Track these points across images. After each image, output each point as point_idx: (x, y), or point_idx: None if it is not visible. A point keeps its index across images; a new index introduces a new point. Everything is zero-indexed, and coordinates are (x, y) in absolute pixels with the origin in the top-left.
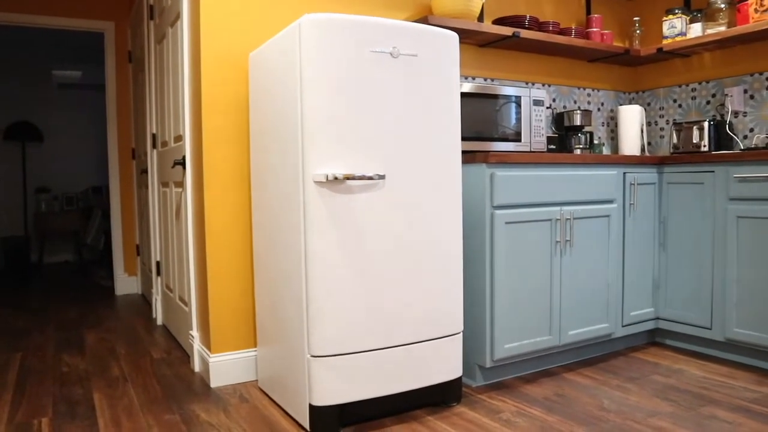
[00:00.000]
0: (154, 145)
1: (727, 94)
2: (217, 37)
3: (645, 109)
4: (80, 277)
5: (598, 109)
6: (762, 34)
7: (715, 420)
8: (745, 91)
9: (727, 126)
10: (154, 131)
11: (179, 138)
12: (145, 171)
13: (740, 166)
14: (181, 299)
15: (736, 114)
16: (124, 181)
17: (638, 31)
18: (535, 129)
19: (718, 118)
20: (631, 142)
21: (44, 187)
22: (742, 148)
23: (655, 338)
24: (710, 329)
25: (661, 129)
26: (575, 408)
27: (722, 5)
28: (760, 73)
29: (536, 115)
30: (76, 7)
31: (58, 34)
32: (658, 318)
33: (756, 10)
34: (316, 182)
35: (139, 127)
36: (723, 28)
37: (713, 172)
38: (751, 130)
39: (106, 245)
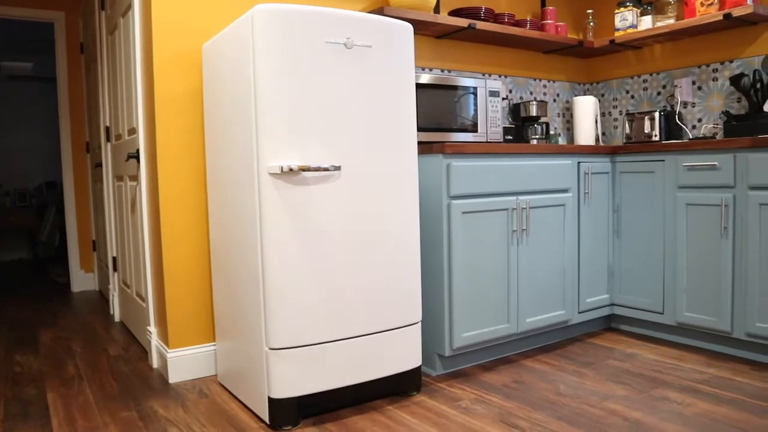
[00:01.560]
0: (108, 139)
1: (676, 86)
2: (170, 28)
3: (599, 100)
4: (35, 274)
5: (554, 100)
6: (708, 27)
7: (666, 401)
8: (694, 83)
9: (676, 116)
10: (108, 124)
11: (133, 131)
12: (100, 165)
13: (688, 155)
14: (138, 295)
15: (685, 105)
16: (78, 176)
17: (592, 24)
18: (492, 120)
19: (669, 108)
20: (586, 133)
21: None
22: (691, 137)
23: (610, 324)
24: (662, 314)
25: (615, 119)
26: (533, 394)
27: None
28: (707, 65)
29: (493, 106)
30: None
31: (6, 23)
32: (613, 304)
33: (702, 4)
34: (271, 174)
35: (92, 119)
36: (672, 21)
37: (663, 161)
38: (699, 120)
39: (62, 241)
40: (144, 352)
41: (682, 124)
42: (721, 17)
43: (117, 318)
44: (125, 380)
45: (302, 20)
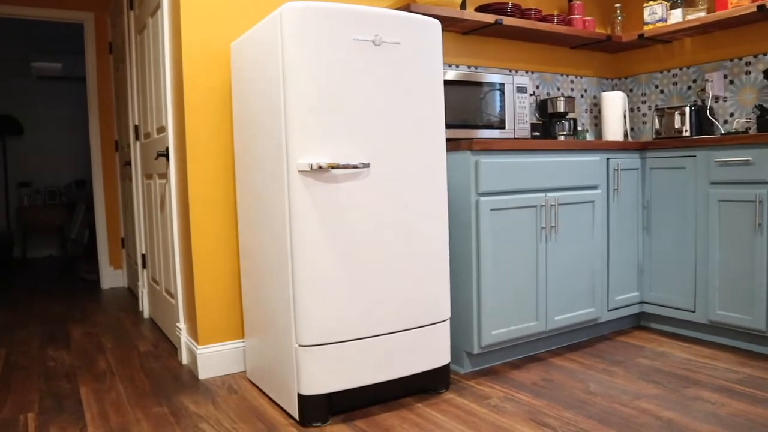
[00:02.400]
0: (137, 137)
1: (707, 80)
2: (198, 27)
3: (627, 95)
4: (65, 271)
5: (582, 96)
6: (741, 20)
7: (699, 401)
8: (725, 76)
9: (707, 111)
10: (137, 123)
11: (162, 129)
12: (129, 163)
13: (721, 151)
14: (168, 292)
15: (716, 99)
16: (107, 174)
17: (620, 18)
18: (519, 116)
19: (699, 103)
20: (614, 128)
21: (26, 181)
22: (723, 132)
23: (640, 322)
24: (694, 312)
25: (644, 115)
26: (562, 392)
27: None
28: (740, 58)
29: (520, 102)
30: None
31: (37, 25)
32: (642, 302)
33: None
34: (300, 171)
35: (121, 118)
36: (703, 14)
37: (695, 156)
38: (731, 115)
39: (91, 239)
40: (173, 349)
41: (714, 119)
42: (754, 9)
43: (146, 314)
44: (155, 376)
45: (331, 18)
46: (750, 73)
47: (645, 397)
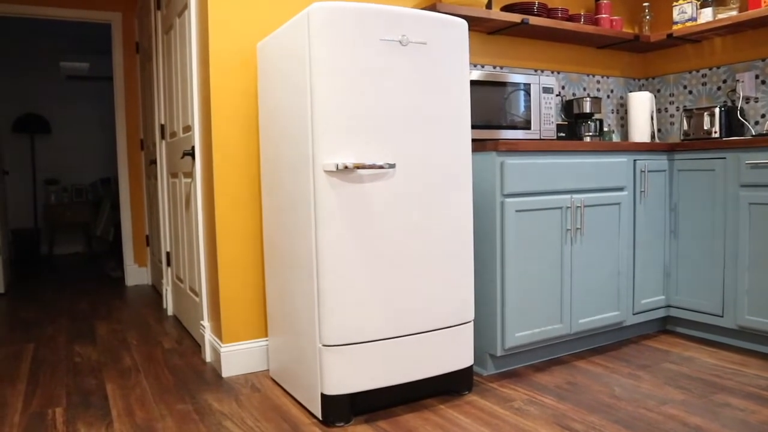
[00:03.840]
0: (162, 136)
1: (738, 80)
2: (225, 27)
3: (655, 96)
4: (90, 268)
5: (608, 96)
6: None
7: (728, 407)
8: (757, 77)
9: (738, 112)
10: (163, 122)
11: (188, 128)
12: (154, 162)
13: (752, 153)
14: (192, 290)
15: (747, 100)
16: (133, 172)
17: (648, 17)
18: (545, 116)
19: (729, 104)
20: (641, 129)
21: (53, 179)
22: (754, 134)
23: (666, 326)
24: (722, 317)
25: (671, 116)
26: (587, 396)
27: None
28: None
29: (546, 103)
30: None
31: (65, 25)
32: (669, 306)
33: None
34: (326, 171)
35: (147, 118)
36: (734, 13)
37: (724, 158)
38: (763, 116)
39: (116, 236)
40: (197, 346)
41: (744, 120)
42: None
43: (170, 312)
44: (180, 373)
45: (358, 18)
46: None
47: (671, 402)
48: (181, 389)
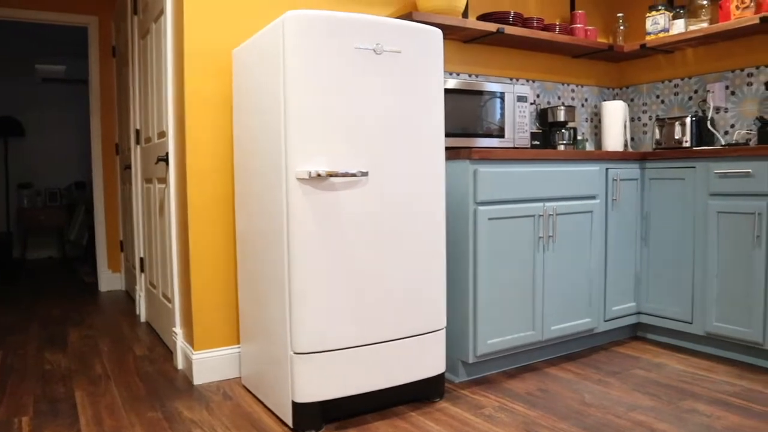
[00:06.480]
0: (137, 141)
1: (708, 90)
2: (201, 34)
3: (628, 105)
4: (64, 273)
5: (582, 105)
6: (743, 31)
7: (695, 413)
8: (727, 87)
9: (708, 122)
10: (138, 127)
11: (163, 134)
12: (129, 167)
13: (720, 162)
14: (165, 296)
15: (717, 110)
16: (107, 177)
17: (622, 27)
18: (519, 125)
19: (700, 114)
20: (614, 138)
21: (27, 182)
22: (723, 143)
23: (636, 332)
24: (691, 323)
25: (644, 125)
26: (557, 403)
27: (704, 2)
28: (741, 70)
29: (520, 111)
30: (59, 1)
31: (41, 28)
32: (639, 312)
33: (737, 7)
34: (299, 179)
35: (122, 122)
36: (705, 25)
37: (694, 167)
38: (732, 126)
39: (90, 241)
40: (169, 353)
41: (714, 130)
42: (757, 20)
43: (143, 318)
44: (151, 381)
45: (332, 26)
46: (752, 84)
47: (640, 408)
48: (151, 397)
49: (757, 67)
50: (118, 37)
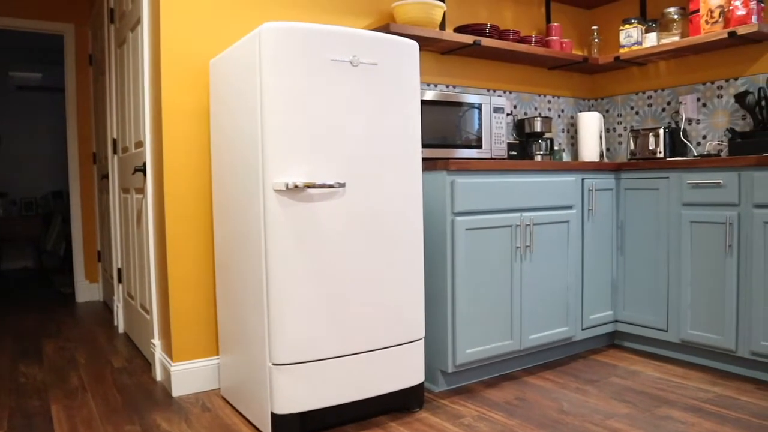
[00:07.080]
0: (114, 151)
1: (681, 102)
2: (178, 43)
3: (604, 116)
4: (40, 284)
5: (559, 116)
6: (712, 45)
7: (670, 420)
8: (698, 100)
9: (681, 133)
10: (115, 136)
11: (140, 144)
12: (106, 176)
13: (693, 173)
14: (143, 307)
15: (690, 121)
16: (84, 186)
17: (597, 40)
18: (496, 136)
19: (673, 125)
20: (590, 149)
21: (2, 191)
22: (696, 154)
23: (614, 340)
24: (666, 331)
25: (619, 135)
26: (535, 411)
27: (676, 16)
28: (712, 82)
29: (497, 122)
30: (35, 9)
31: (17, 35)
32: (616, 321)
33: (707, 22)
34: (276, 190)
35: (99, 131)
36: (677, 38)
37: (668, 178)
38: (704, 137)
39: (67, 251)
40: (147, 365)
41: (687, 141)
42: (725, 35)
43: (121, 329)
44: (129, 393)
45: (309, 38)
46: (722, 96)
47: (616, 416)
48: (129, 409)
49: (727, 80)
50: (95, 45)
